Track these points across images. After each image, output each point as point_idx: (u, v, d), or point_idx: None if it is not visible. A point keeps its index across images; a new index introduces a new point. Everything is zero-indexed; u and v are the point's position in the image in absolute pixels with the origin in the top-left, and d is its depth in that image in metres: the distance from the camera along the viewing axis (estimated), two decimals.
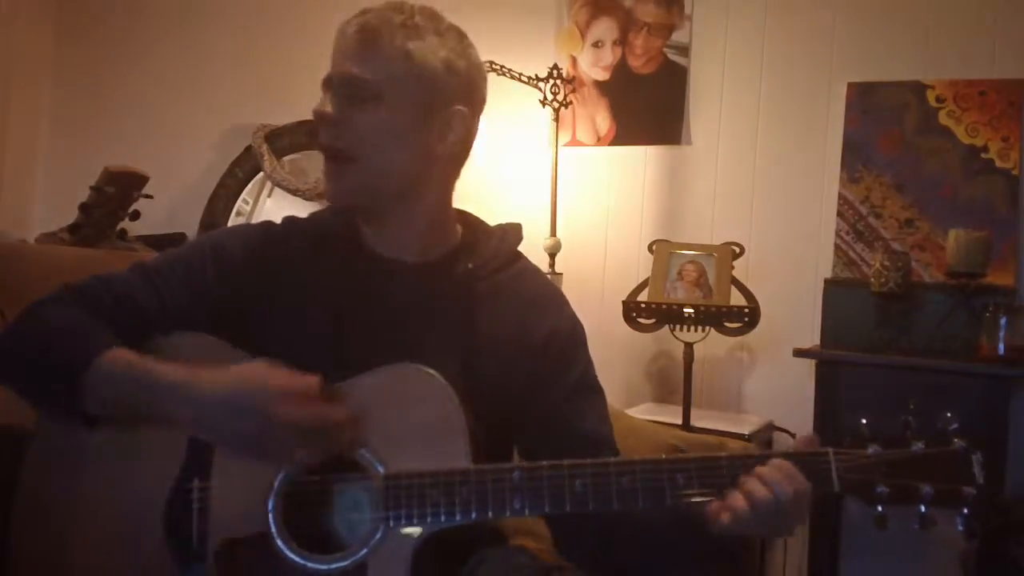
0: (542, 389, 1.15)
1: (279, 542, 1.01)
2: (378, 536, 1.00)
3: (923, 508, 0.95)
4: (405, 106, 1.12)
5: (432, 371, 1.02)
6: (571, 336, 1.20)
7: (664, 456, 0.99)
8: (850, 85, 2.61)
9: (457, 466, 1.00)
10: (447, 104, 1.14)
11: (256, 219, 3.34)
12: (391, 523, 0.99)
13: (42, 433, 1.10)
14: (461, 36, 1.17)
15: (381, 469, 1.01)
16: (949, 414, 0.96)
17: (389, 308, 1.14)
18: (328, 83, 1.13)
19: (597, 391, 1.21)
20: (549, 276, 2.18)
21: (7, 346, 1.09)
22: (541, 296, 1.22)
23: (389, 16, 1.12)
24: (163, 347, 1.09)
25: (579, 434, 1.14)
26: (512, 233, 1.25)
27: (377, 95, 1.10)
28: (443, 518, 0.98)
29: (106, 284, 1.12)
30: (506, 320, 1.16)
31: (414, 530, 0.99)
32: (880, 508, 0.96)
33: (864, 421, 0.98)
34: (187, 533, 1.03)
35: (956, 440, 0.96)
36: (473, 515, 0.98)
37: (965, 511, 0.95)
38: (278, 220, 1.24)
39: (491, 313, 1.16)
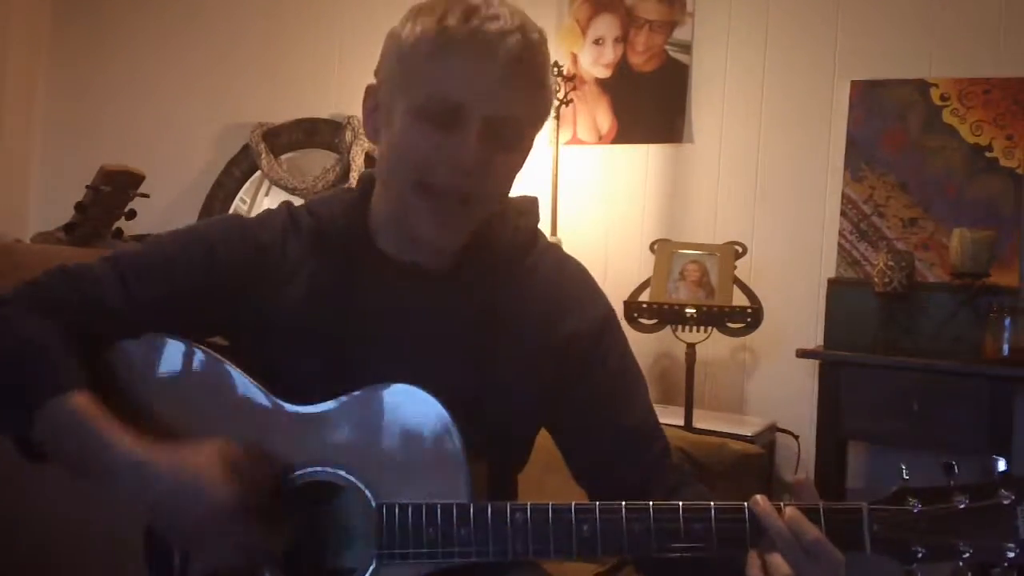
0: (572, 390, 1.08)
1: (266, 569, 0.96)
2: (370, 571, 0.95)
3: (960, 563, 0.88)
4: (531, 142, 1.03)
5: (431, 396, 0.95)
6: (596, 334, 1.09)
7: (682, 502, 0.92)
8: (853, 83, 2.58)
9: (455, 501, 0.94)
10: None
11: None
12: (384, 559, 0.94)
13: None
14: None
15: (373, 501, 0.95)
16: (995, 456, 0.89)
17: (402, 316, 1.04)
18: (469, 120, 0.95)
19: (636, 379, 1.12)
20: None
21: None
22: (563, 289, 1.10)
23: (533, 35, 0.99)
24: (129, 351, 1.03)
25: (624, 429, 1.08)
26: (527, 215, 1.12)
27: (521, 136, 1.00)
28: (440, 558, 0.93)
29: (74, 282, 1.03)
30: (525, 319, 1.06)
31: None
32: (913, 566, 0.90)
33: (903, 466, 0.91)
34: (169, 555, 0.98)
35: (1003, 491, 0.88)
36: (472, 556, 0.92)
37: (999, 569, 0.89)
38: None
39: (509, 313, 1.06)
